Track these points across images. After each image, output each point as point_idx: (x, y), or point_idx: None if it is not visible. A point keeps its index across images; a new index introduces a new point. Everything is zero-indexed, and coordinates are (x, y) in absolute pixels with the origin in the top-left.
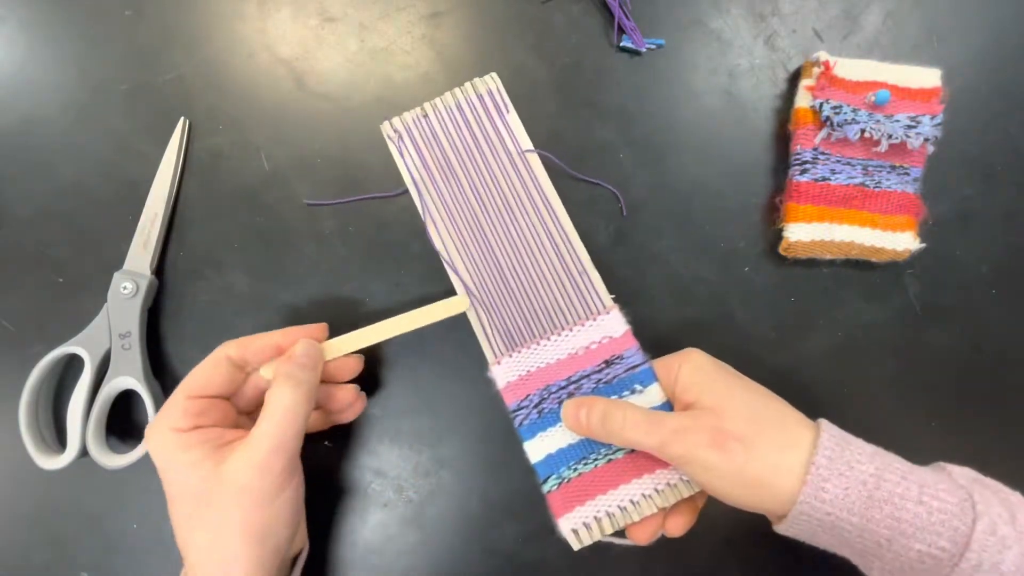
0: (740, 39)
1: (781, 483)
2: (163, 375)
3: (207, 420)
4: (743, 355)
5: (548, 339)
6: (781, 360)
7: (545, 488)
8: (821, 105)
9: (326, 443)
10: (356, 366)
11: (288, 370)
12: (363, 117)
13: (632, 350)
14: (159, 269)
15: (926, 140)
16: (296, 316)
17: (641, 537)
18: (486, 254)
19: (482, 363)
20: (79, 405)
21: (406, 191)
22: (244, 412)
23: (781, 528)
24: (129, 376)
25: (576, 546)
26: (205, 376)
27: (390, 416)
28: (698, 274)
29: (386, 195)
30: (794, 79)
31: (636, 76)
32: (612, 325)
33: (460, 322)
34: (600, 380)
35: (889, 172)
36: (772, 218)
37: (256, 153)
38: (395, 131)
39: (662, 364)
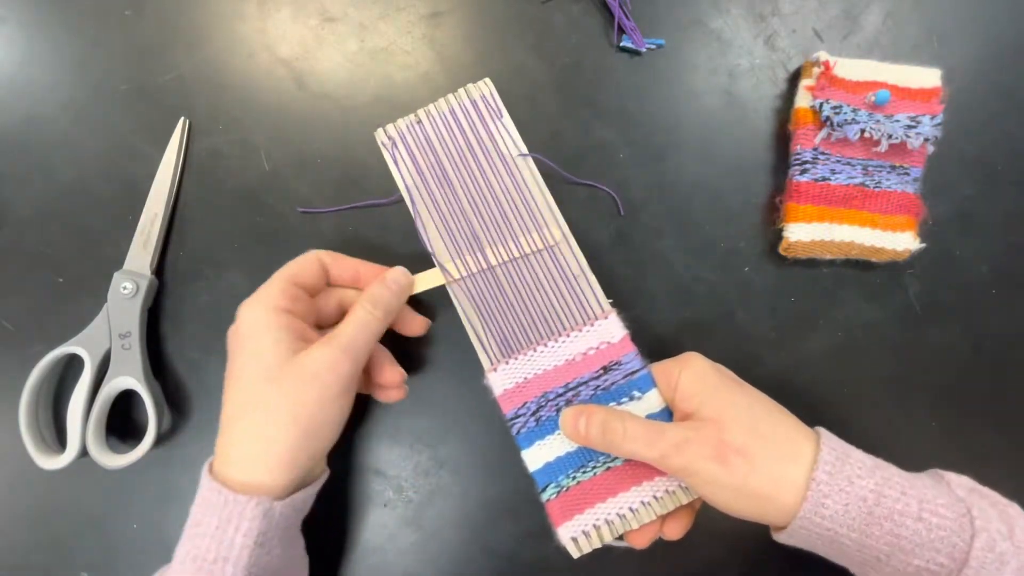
0: (740, 39)
1: (782, 497)
2: (163, 375)
3: (297, 309)
4: (743, 355)
5: (545, 345)
6: (781, 360)
7: (544, 497)
8: (821, 105)
9: None
10: (423, 325)
11: (376, 291)
12: (363, 117)
13: (630, 355)
14: (159, 269)
15: (926, 140)
16: None
17: (640, 542)
18: (480, 259)
19: (481, 364)
20: (79, 405)
21: (401, 198)
22: (319, 328)
23: (780, 537)
24: (129, 376)
25: (576, 554)
26: (301, 267)
27: (390, 416)
28: (698, 274)
29: (380, 202)
30: (794, 79)
31: (636, 76)
32: (610, 330)
33: (459, 322)
34: (598, 387)
35: (889, 172)
36: (772, 218)
37: (256, 153)
38: (389, 138)
39: (661, 370)
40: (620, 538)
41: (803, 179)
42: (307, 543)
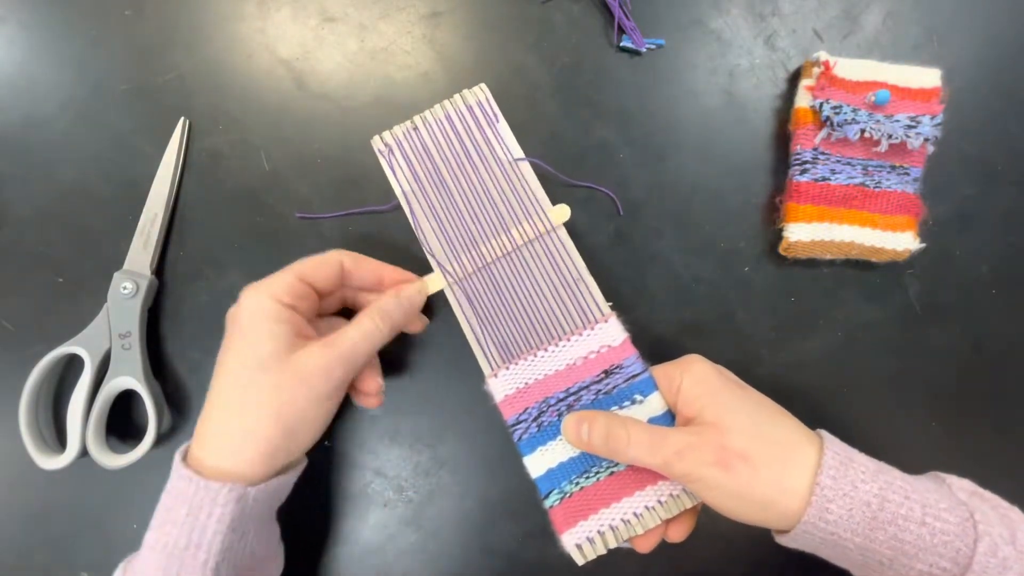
0: (740, 39)
1: (785, 503)
2: (163, 375)
3: (301, 306)
4: (743, 355)
5: (545, 350)
6: (781, 360)
7: (547, 503)
8: (821, 105)
9: (326, 443)
10: (422, 324)
11: (389, 306)
12: (363, 117)
13: (631, 359)
14: (159, 269)
15: (926, 140)
16: None
17: (644, 547)
18: (479, 264)
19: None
20: (79, 405)
21: (399, 205)
22: (318, 316)
23: (783, 540)
24: (129, 376)
25: (580, 561)
26: (316, 267)
27: (390, 416)
28: (698, 274)
29: (378, 209)
30: (794, 79)
31: (636, 76)
32: (610, 333)
33: (459, 324)
34: (600, 391)
35: (889, 172)
36: (772, 218)
37: (256, 153)
38: (385, 145)
39: (663, 373)
40: (625, 540)
41: (803, 179)
42: (307, 543)
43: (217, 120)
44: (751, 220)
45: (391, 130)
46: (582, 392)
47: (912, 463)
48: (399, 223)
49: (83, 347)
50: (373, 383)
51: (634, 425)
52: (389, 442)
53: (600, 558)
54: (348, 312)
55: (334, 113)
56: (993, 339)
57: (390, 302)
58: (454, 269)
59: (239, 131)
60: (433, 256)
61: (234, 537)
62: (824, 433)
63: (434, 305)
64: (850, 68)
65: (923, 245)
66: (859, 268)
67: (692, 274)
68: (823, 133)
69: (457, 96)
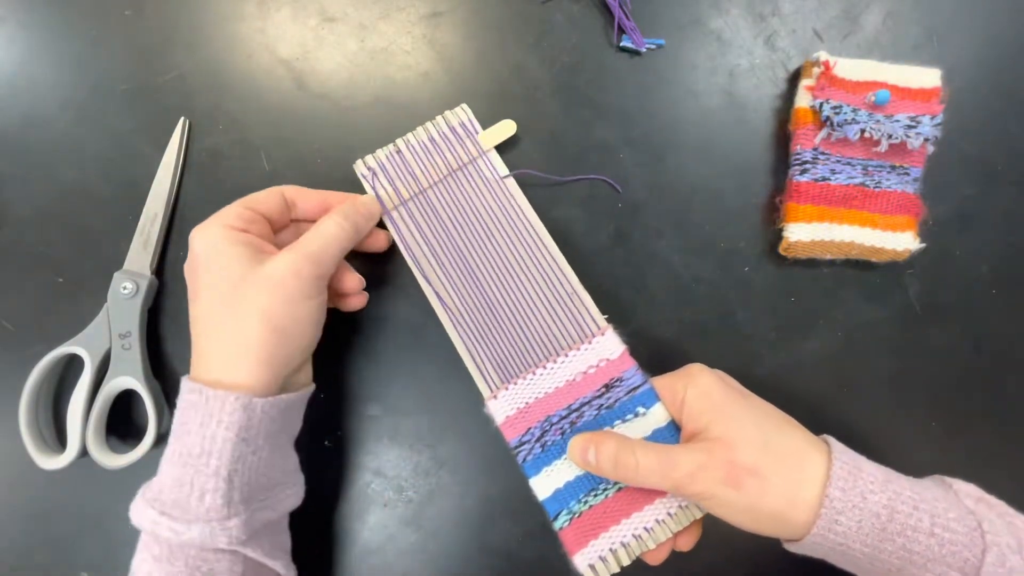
0: (740, 39)
1: (796, 515)
2: (163, 375)
3: (253, 229)
4: (743, 355)
5: (544, 367)
6: (781, 360)
7: (556, 525)
8: (821, 105)
9: (326, 443)
10: (386, 240)
11: (346, 208)
12: (363, 117)
13: (631, 371)
14: (159, 269)
15: (926, 140)
16: None
17: (655, 559)
18: (472, 286)
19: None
20: (79, 405)
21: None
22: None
23: (791, 547)
24: (129, 376)
25: None
26: (259, 198)
27: (390, 416)
28: (698, 274)
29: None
30: (794, 79)
31: (636, 76)
32: (608, 346)
33: (454, 345)
34: (602, 405)
35: (889, 172)
36: (772, 218)
37: (256, 153)
38: (368, 169)
39: (665, 385)
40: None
41: (803, 179)
42: (307, 544)
43: (217, 120)
44: (751, 220)
45: (374, 153)
46: (584, 408)
47: (912, 463)
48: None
49: (83, 347)
50: (352, 281)
51: (642, 449)
52: (389, 442)
53: None
54: None
55: (334, 113)
56: (993, 339)
57: (347, 205)
58: (446, 290)
59: (239, 131)
60: (423, 274)
61: (245, 449)
62: (831, 440)
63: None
64: (850, 68)
65: (923, 245)
66: (859, 268)
67: (692, 274)
68: (823, 133)
69: (439, 118)
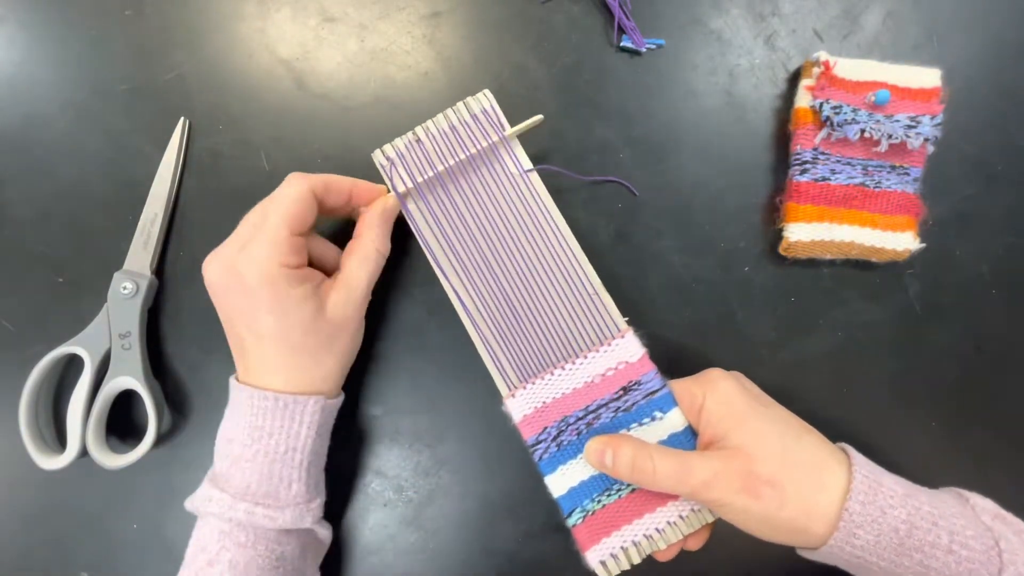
0: (740, 39)
1: (813, 527)
2: (163, 375)
3: (306, 258)
4: (743, 355)
5: (562, 368)
6: (781, 360)
7: (570, 522)
8: (821, 105)
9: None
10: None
11: (380, 233)
12: (363, 117)
13: (650, 375)
14: (159, 269)
15: (926, 140)
16: None
17: (665, 557)
18: (491, 282)
19: (482, 364)
20: (79, 405)
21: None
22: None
23: (807, 555)
24: (129, 376)
25: None
26: (301, 213)
27: (390, 416)
28: (698, 274)
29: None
30: (794, 79)
31: (636, 76)
32: (628, 349)
33: (461, 324)
34: (619, 408)
35: (889, 172)
36: (772, 218)
37: (256, 153)
38: (387, 159)
39: (684, 390)
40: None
41: (803, 179)
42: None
43: (217, 120)
44: (751, 220)
45: (392, 143)
46: (601, 410)
47: (912, 463)
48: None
49: (83, 347)
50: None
51: (659, 455)
52: (389, 442)
53: None
54: None
55: (334, 113)
56: (993, 339)
57: (380, 229)
58: (465, 286)
59: (239, 131)
60: (441, 270)
61: (318, 440)
62: (850, 451)
63: (442, 311)
64: (850, 68)
65: (923, 245)
66: (859, 268)
67: (692, 274)
68: (823, 133)
69: (460, 104)
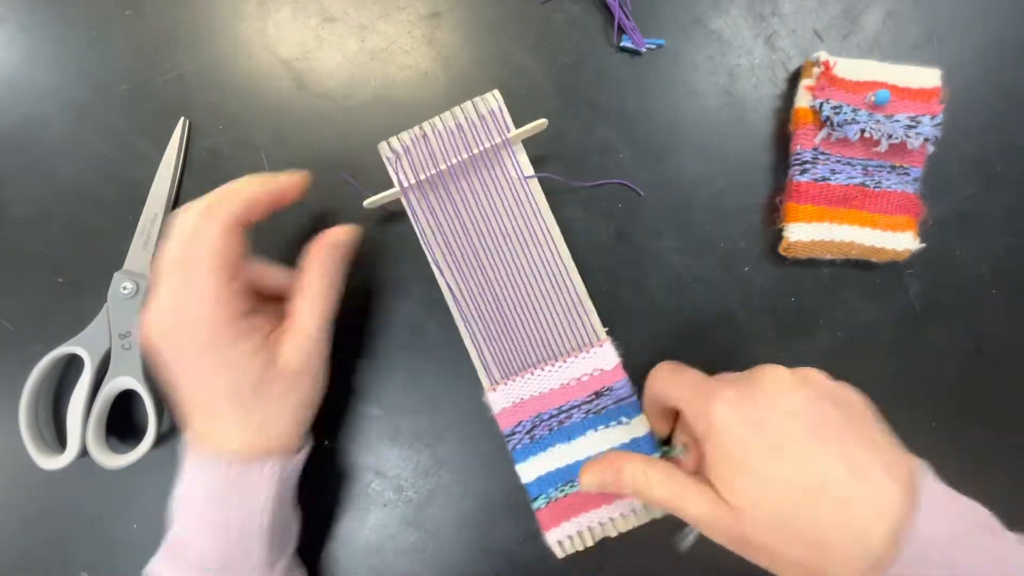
0: (740, 39)
1: None
2: None
3: (250, 300)
4: (743, 355)
5: (542, 369)
6: (781, 360)
7: (535, 506)
8: (821, 105)
9: (326, 443)
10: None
11: (328, 255)
12: (363, 117)
13: (621, 383)
14: None
15: (926, 140)
16: None
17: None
18: (482, 282)
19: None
20: (79, 405)
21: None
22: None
23: None
24: (129, 376)
25: (560, 555)
26: (229, 257)
27: (390, 416)
28: (698, 274)
29: (386, 195)
30: (794, 79)
31: (636, 76)
32: (604, 357)
33: (463, 340)
34: (589, 410)
35: (889, 172)
36: (772, 218)
37: (256, 153)
38: (393, 152)
39: (685, 410)
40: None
41: (803, 179)
42: (307, 543)
43: (217, 120)
44: (751, 220)
45: (399, 136)
46: (573, 411)
47: None
48: (401, 220)
49: (83, 347)
50: (279, 277)
51: (657, 480)
52: (389, 442)
53: (600, 559)
54: None
55: (334, 113)
56: (993, 339)
57: (327, 267)
58: (457, 283)
59: (239, 131)
60: (437, 265)
61: (279, 501)
62: (919, 507)
63: (441, 311)
64: (850, 68)
65: (923, 245)
66: (859, 268)
67: (692, 274)
68: (823, 133)
69: (469, 103)
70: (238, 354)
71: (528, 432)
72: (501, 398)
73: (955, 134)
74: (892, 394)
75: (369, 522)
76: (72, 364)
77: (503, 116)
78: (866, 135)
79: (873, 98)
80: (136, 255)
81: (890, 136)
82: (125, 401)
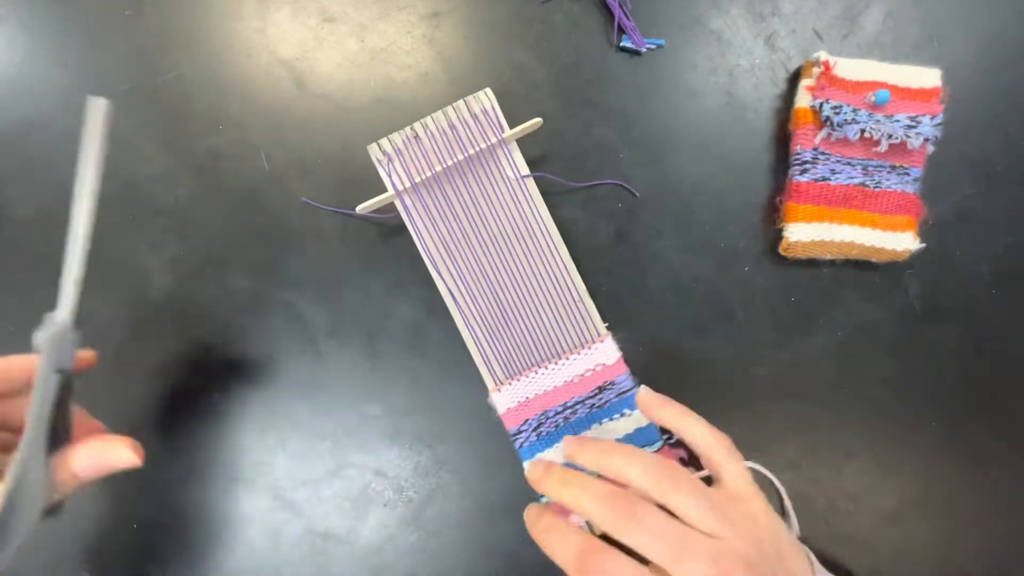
0: (740, 39)
1: None
2: None
3: None
4: (743, 355)
5: (545, 368)
6: (781, 360)
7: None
8: (821, 105)
9: (326, 443)
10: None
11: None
12: (363, 117)
13: (623, 376)
14: (164, 269)
15: (926, 140)
16: (297, 316)
17: None
18: (483, 283)
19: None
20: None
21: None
22: None
23: None
24: None
25: None
26: None
27: (390, 416)
28: (698, 274)
29: (380, 216)
30: (794, 79)
31: (636, 76)
32: (606, 352)
33: (464, 342)
34: (593, 405)
35: (889, 172)
36: (772, 218)
37: (256, 153)
38: (384, 153)
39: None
40: None
41: (803, 179)
42: (307, 544)
43: (217, 120)
44: (751, 220)
45: (389, 137)
46: (577, 406)
47: (912, 463)
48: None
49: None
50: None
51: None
52: (389, 442)
53: None
54: None
55: (334, 113)
56: (993, 339)
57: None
58: (457, 285)
59: (239, 131)
60: (435, 267)
61: None
62: None
63: (441, 312)
64: (850, 68)
65: (923, 245)
66: (859, 268)
67: (692, 274)
68: (823, 133)
69: (461, 102)
70: None
71: (535, 430)
72: (506, 398)
73: (955, 134)
74: (892, 394)
75: (369, 522)
76: None
77: (496, 115)
78: (866, 135)
79: (873, 98)
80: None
81: (890, 136)
82: None
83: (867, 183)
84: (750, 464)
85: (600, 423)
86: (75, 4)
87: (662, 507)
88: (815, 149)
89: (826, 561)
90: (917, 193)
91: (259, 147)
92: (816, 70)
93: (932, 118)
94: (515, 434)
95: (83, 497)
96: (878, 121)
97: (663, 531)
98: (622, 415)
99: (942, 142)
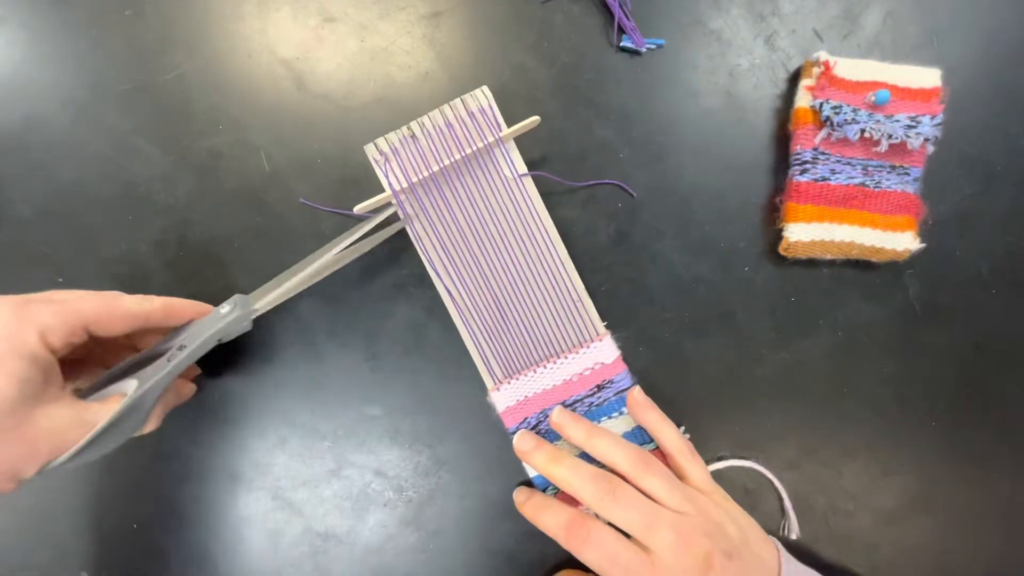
0: (740, 39)
1: None
2: None
3: (66, 352)
4: (743, 355)
5: (544, 367)
6: (781, 360)
7: (550, 491)
8: (821, 105)
9: (326, 443)
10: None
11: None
12: (363, 117)
13: (622, 375)
14: (164, 269)
15: (926, 140)
16: (296, 316)
17: None
18: (481, 282)
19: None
20: None
21: (395, 213)
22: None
23: None
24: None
25: None
26: (106, 319)
27: (390, 416)
28: (698, 274)
29: (379, 216)
30: (794, 79)
31: (636, 76)
32: (604, 351)
33: (464, 341)
34: (592, 403)
35: (889, 172)
36: (772, 218)
37: (256, 153)
38: (381, 153)
39: None
40: None
41: (803, 179)
42: (307, 543)
43: (217, 120)
44: (751, 220)
45: (386, 136)
46: (576, 405)
47: (912, 463)
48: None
49: None
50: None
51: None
52: (389, 442)
53: None
54: None
55: (334, 113)
56: (993, 339)
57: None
58: (456, 285)
59: (239, 131)
60: (433, 267)
61: None
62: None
63: (441, 311)
64: (850, 68)
65: (923, 245)
66: (859, 268)
67: (692, 274)
68: (823, 133)
69: (458, 101)
70: (12, 368)
71: (533, 427)
72: (505, 397)
73: (955, 134)
74: (892, 394)
75: (369, 522)
76: None
77: (493, 113)
78: (866, 135)
79: (873, 98)
80: None
81: (890, 136)
82: None
83: (867, 183)
84: (750, 464)
85: (599, 421)
86: (75, 4)
87: (638, 489)
88: (815, 149)
89: (827, 561)
90: (917, 193)
91: (259, 147)
92: (816, 70)
93: (932, 118)
94: (514, 432)
95: (83, 497)
96: (878, 121)
97: (637, 506)
98: (620, 414)
99: (942, 142)
